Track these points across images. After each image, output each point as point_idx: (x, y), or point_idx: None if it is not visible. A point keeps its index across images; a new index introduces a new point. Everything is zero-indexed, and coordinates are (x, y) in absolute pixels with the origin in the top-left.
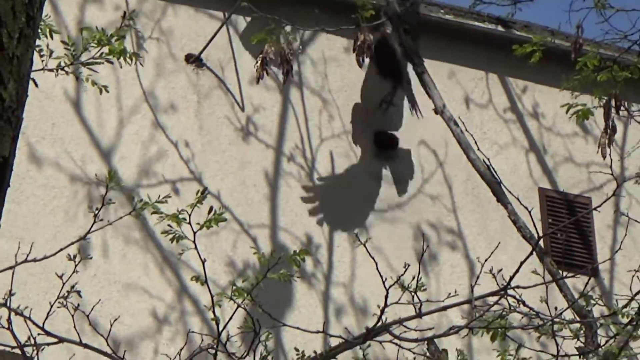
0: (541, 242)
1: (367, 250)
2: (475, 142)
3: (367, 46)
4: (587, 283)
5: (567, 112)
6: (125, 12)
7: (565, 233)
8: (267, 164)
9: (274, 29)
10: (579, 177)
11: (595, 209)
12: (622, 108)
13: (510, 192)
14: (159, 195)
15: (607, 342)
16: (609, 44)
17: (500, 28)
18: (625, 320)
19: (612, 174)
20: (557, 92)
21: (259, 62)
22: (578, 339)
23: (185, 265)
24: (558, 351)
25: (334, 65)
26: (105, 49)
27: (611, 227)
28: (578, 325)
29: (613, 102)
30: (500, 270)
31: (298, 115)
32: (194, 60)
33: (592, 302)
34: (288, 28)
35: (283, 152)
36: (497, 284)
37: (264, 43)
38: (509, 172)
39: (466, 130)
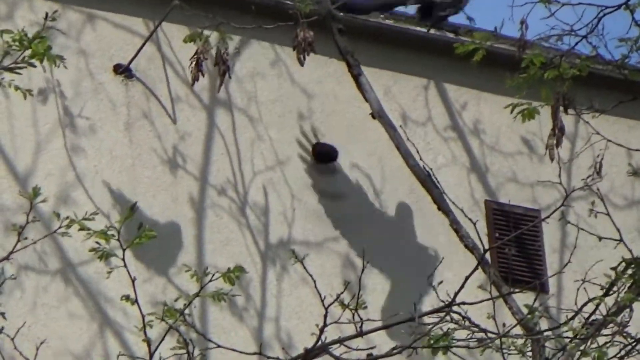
0: (488, 257)
1: (304, 267)
2: (418, 152)
3: (307, 43)
4: (535, 299)
5: (511, 111)
6: (47, 13)
7: (512, 247)
8: (195, 187)
9: (208, 27)
10: (528, 191)
11: (543, 220)
12: (570, 107)
13: (454, 203)
14: (86, 212)
15: (554, 355)
16: (555, 45)
17: (442, 33)
18: (572, 334)
19: (560, 183)
20: (504, 100)
21: (194, 62)
22: (524, 355)
23: (115, 285)
24: None
25: (266, 77)
26: (28, 53)
27: (560, 242)
28: (523, 340)
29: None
30: (441, 282)
31: (229, 144)
32: (123, 70)
33: (538, 314)
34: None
35: (211, 183)
36: (440, 299)
37: (198, 45)
38: (453, 184)
39: (408, 139)
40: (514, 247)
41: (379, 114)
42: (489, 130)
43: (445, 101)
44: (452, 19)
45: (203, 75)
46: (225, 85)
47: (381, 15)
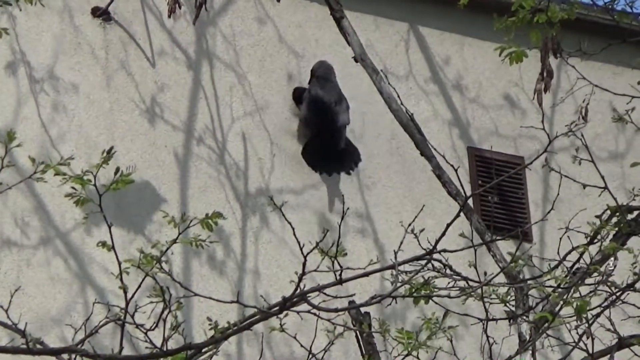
0: (470, 204)
1: (283, 214)
2: (399, 96)
3: None
4: (518, 246)
5: (500, 54)
6: None
7: (495, 195)
8: (177, 136)
9: None
10: (511, 139)
11: (526, 166)
12: (558, 52)
13: (436, 150)
14: (61, 157)
15: (537, 304)
16: None
17: None
18: (555, 283)
19: (543, 129)
20: (488, 46)
21: None
22: (506, 304)
23: (91, 231)
24: (487, 315)
25: (245, 21)
26: None
27: (544, 191)
28: (506, 289)
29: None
30: (422, 230)
31: (207, 90)
32: (101, 13)
33: (522, 262)
34: None
35: (193, 131)
36: (420, 243)
37: None
38: (436, 131)
39: (389, 83)
40: (497, 195)
41: (361, 58)
42: (472, 77)
43: (428, 47)
44: None
45: (180, 7)
46: (203, 29)
47: None
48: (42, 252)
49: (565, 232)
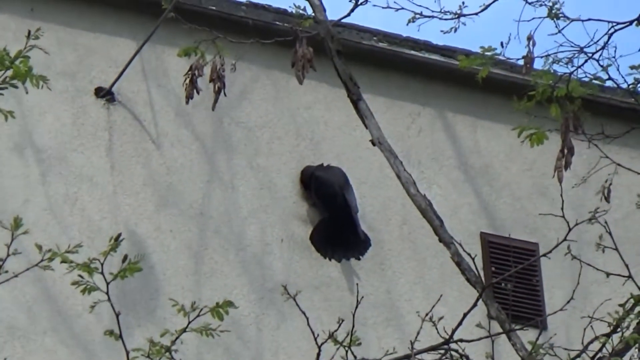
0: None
1: (297, 304)
2: (414, 182)
3: (306, 60)
4: (537, 338)
5: (519, 135)
6: (29, 31)
7: (512, 282)
8: (185, 208)
9: (203, 42)
10: (525, 223)
11: (545, 255)
12: (580, 129)
13: (452, 237)
14: (69, 245)
15: None
16: (562, 64)
17: (439, 57)
18: None
19: (562, 216)
20: (501, 128)
21: (188, 79)
22: None
23: (99, 319)
24: None
25: (254, 102)
26: (9, 73)
27: (559, 276)
28: None
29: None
30: (441, 318)
31: (213, 172)
32: (105, 94)
33: (542, 351)
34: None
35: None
36: (439, 332)
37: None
38: (448, 216)
39: (405, 170)
40: (511, 282)
41: (379, 141)
42: (485, 160)
43: (440, 130)
44: (448, 42)
45: (198, 92)
46: (210, 110)
47: (374, 38)
48: (46, 339)
49: (590, 322)
